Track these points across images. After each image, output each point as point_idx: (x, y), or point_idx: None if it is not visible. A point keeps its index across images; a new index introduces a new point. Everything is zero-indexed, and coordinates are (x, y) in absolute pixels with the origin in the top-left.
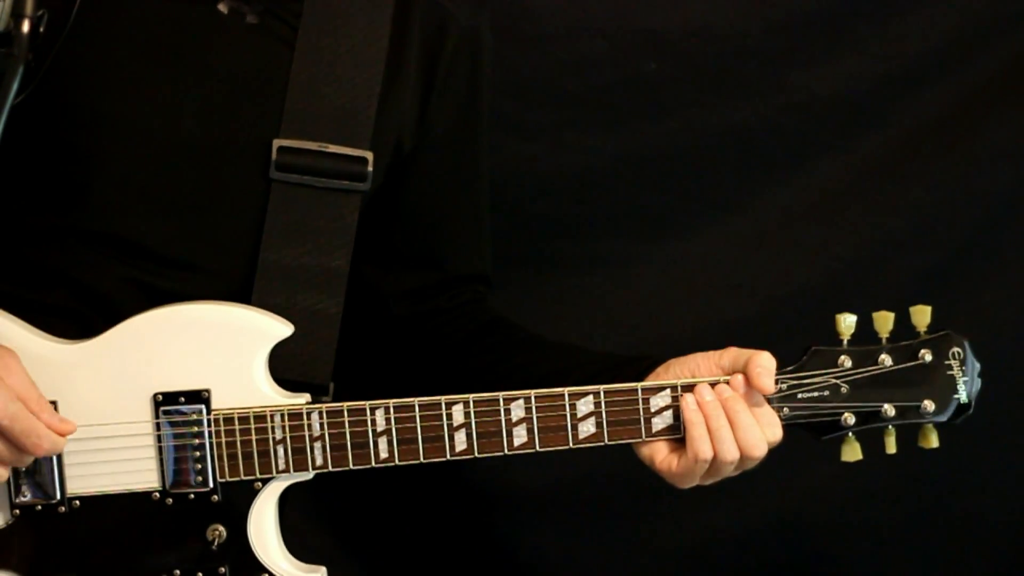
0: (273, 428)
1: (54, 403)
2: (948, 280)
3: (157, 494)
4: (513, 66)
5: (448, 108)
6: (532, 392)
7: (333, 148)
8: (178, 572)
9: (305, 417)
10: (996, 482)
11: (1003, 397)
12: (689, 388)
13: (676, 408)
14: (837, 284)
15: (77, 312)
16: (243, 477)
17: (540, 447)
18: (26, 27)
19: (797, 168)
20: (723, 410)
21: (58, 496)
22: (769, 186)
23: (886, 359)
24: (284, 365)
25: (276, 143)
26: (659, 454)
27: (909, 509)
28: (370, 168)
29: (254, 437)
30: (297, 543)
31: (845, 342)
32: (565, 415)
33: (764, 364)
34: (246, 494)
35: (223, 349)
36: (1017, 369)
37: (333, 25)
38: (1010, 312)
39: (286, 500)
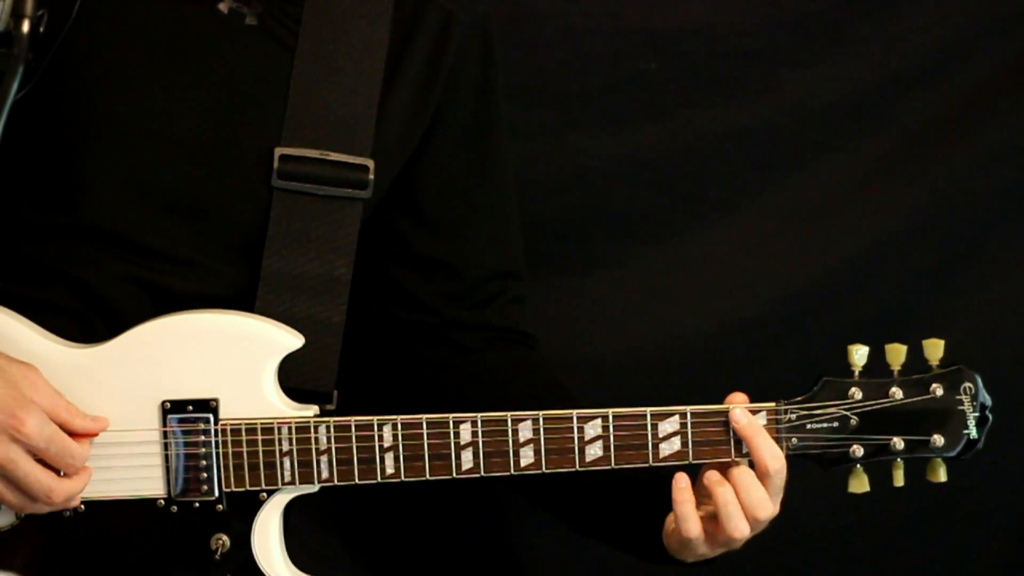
0: (280, 440)
1: None
2: (948, 280)
3: (162, 501)
4: (513, 66)
5: (458, 104)
6: (540, 413)
7: (334, 156)
8: None
9: (313, 430)
10: (996, 482)
11: (1003, 397)
12: (697, 415)
13: (684, 434)
14: (837, 284)
15: (75, 309)
16: (248, 488)
17: (547, 468)
18: (26, 27)
19: (797, 168)
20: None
21: None
22: (769, 186)
23: (897, 392)
24: (288, 373)
25: (278, 151)
26: (668, 526)
27: (909, 509)
28: (371, 176)
29: (261, 448)
30: (296, 543)
31: (856, 373)
32: (573, 437)
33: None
34: (251, 504)
35: (233, 359)
36: (1017, 369)
37: (333, 31)
38: (1010, 312)
39: (289, 507)
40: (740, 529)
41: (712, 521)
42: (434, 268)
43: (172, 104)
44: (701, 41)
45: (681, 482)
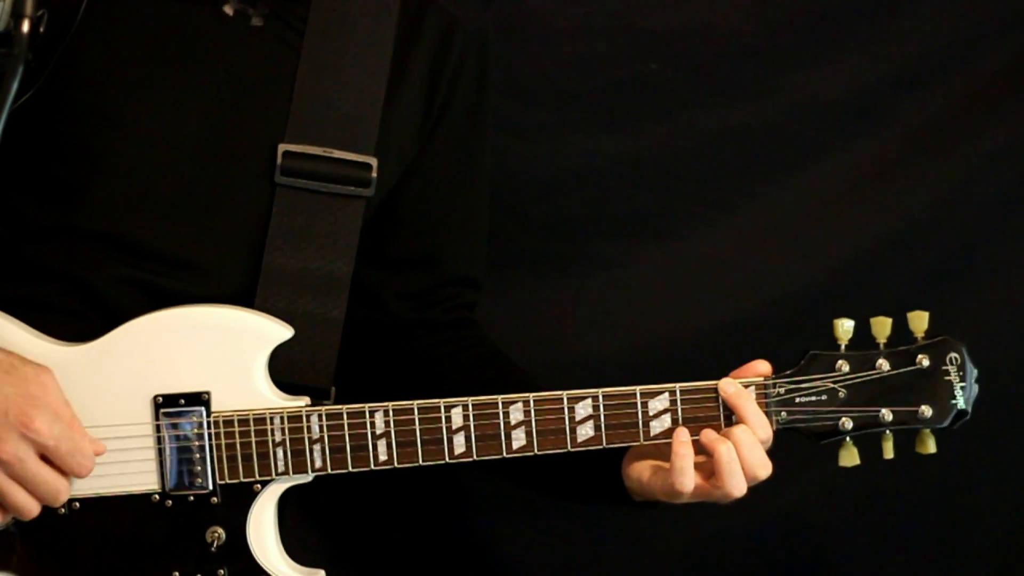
0: (272, 430)
1: None
2: (948, 280)
3: (157, 496)
4: (513, 66)
5: (454, 112)
6: (531, 395)
7: (338, 153)
8: (177, 574)
9: (304, 420)
10: (996, 482)
11: (1003, 397)
12: (687, 391)
13: (675, 411)
14: (837, 284)
15: (76, 310)
16: (242, 479)
17: (539, 450)
18: (26, 27)
19: (797, 168)
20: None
21: None
22: (769, 186)
23: (884, 364)
24: (286, 369)
25: (281, 148)
26: (644, 473)
27: (909, 509)
28: (374, 174)
29: (254, 439)
30: (294, 542)
31: (843, 347)
32: (564, 418)
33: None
34: (245, 496)
35: (223, 351)
36: (1017, 369)
37: (339, 30)
38: (1010, 312)
39: (284, 500)
40: (740, 487)
41: (704, 479)
42: (400, 268)
43: (177, 106)
44: (701, 41)
45: (683, 435)
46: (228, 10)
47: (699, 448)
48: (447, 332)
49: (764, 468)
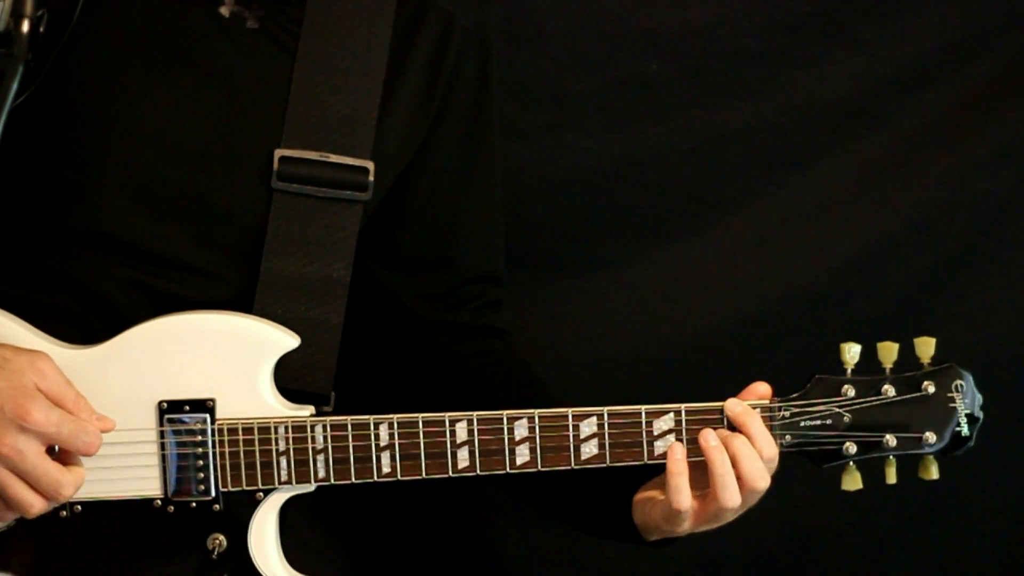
0: (277, 439)
1: None
2: (948, 280)
3: (159, 501)
4: (513, 66)
5: (454, 109)
6: (536, 412)
7: (334, 158)
8: None
9: (309, 429)
10: (995, 482)
11: (1003, 397)
12: (692, 412)
13: (679, 432)
14: (837, 284)
15: (78, 313)
16: (245, 487)
17: (542, 466)
18: (26, 27)
19: (797, 168)
20: (727, 451)
21: None
22: (769, 186)
23: (889, 389)
24: (285, 374)
25: (278, 153)
26: (646, 505)
27: (909, 509)
28: (371, 178)
29: (257, 448)
30: (293, 543)
31: (849, 371)
32: (568, 435)
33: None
34: (248, 504)
35: (229, 359)
36: (1017, 369)
37: (334, 33)
38: (1009, 312)
39: (288, 505)
40: (733, 499)
41: (700, 498)
42: (417, 269)
43: (173, 108)
44: (701, 41)
45: (677, 452)
46: (224, 12)
47: (697, 482)
48: (475, 341)
49: (763, 480)
